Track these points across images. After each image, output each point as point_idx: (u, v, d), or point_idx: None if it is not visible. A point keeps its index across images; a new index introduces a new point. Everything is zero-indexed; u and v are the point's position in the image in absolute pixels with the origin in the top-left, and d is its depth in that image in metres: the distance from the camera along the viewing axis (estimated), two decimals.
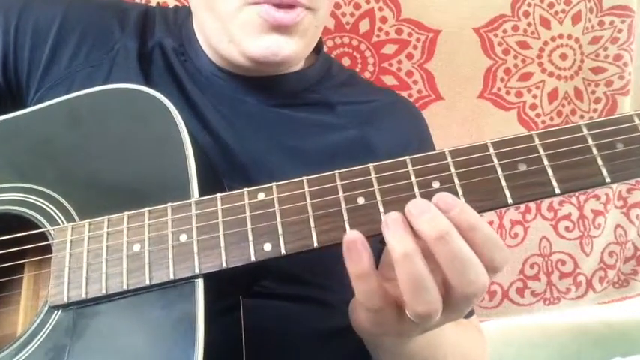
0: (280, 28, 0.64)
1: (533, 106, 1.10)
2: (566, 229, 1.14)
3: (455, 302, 0.45)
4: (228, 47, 0.68)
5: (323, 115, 0.75)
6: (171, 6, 0.94)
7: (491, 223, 1.12)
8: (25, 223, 0.54)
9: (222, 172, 0.63)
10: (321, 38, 0.82)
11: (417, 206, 0.43)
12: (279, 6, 0.62)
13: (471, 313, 0.78)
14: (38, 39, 0.72)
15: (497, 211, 1.10)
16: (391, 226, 0.43)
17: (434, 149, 0.82)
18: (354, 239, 0.43)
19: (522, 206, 1.12)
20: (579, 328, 1.18)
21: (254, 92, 0.72)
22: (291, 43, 0.65)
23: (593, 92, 1.11)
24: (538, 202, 1.12)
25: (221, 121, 0.70)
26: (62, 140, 0.58)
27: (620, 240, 1.17)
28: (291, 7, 0.63)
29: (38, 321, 0.49)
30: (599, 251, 1.16)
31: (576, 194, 1.13)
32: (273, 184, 0.49)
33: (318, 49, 0.81)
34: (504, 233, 1.13)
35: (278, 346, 0.62)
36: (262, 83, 0.72)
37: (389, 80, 1.07)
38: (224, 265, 0.47)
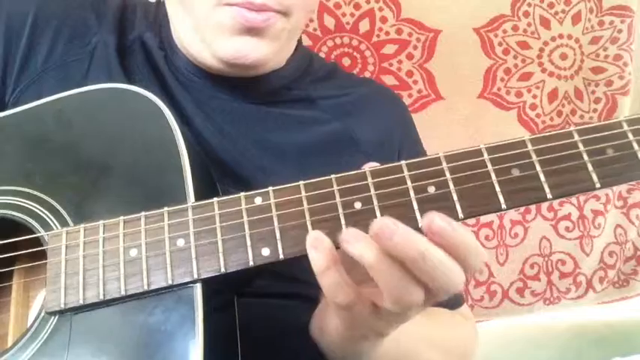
0: (251, 31, 0.64)
1: (533, 106, 1.10)
2: (567, 229, 1.14)
3: (433, 296, 0.45)
4: (200, 47, 0.68)
5: (304, 111, 0.75)
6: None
7: (491, 223, 1.12)
8: (17, 227, 0.53)
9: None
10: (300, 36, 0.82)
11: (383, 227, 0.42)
12: (250, 8, 0.62)
13: (459, 304, 0.79)
14: (11, 35, 0.70)
15: None
16: (351, 240, 0.43)
17: (417, 134, 0.85)
18: (317, 236, 0.44)
19: None
20: (579, 328, 1.18)
21: (233, 91, 0.72)
22: (261, 46, 0.65)
23: (593, 92, 1.11)
24: None
25: (203, 119, 0.69)
26: (53, 142, 0.56)
27: (620, 240, 1.17)
28: (262, 10, 0.63)
29: (35, 327, 0.49)
30: (599, 251, 1.16)
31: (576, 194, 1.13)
32: (270, 189, 0.49)
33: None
34: (504, 233, 1.13)
35: (270, 342, 0.62)
36: (240, 83, 0.72)
37: (389, 80, 1.07)
38: (223, 270, 0.47)
